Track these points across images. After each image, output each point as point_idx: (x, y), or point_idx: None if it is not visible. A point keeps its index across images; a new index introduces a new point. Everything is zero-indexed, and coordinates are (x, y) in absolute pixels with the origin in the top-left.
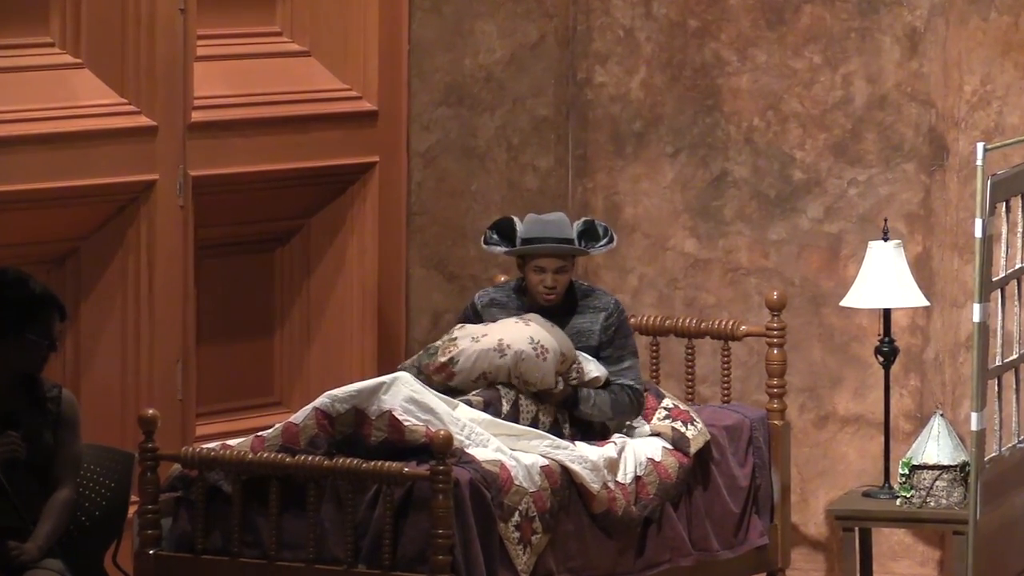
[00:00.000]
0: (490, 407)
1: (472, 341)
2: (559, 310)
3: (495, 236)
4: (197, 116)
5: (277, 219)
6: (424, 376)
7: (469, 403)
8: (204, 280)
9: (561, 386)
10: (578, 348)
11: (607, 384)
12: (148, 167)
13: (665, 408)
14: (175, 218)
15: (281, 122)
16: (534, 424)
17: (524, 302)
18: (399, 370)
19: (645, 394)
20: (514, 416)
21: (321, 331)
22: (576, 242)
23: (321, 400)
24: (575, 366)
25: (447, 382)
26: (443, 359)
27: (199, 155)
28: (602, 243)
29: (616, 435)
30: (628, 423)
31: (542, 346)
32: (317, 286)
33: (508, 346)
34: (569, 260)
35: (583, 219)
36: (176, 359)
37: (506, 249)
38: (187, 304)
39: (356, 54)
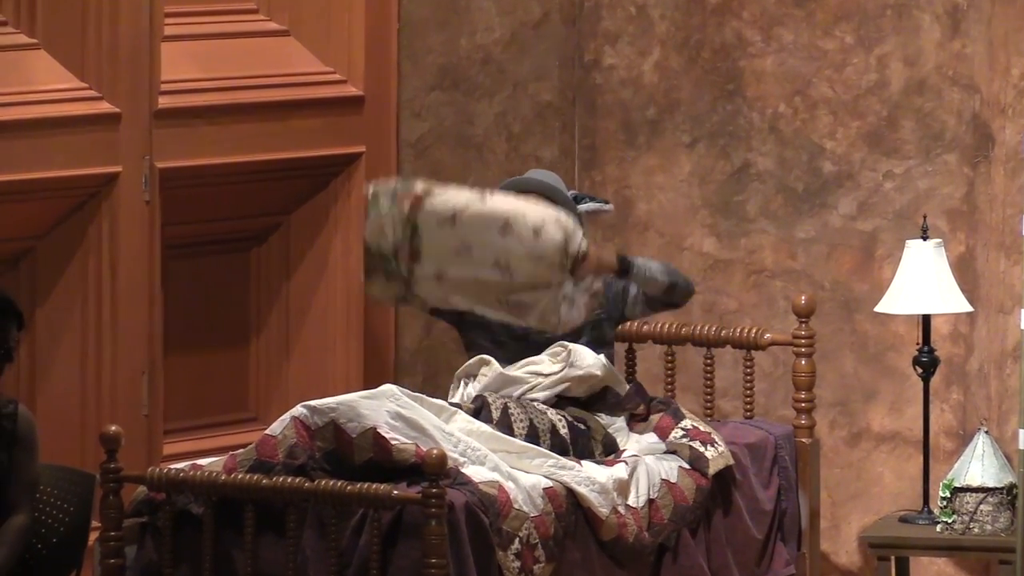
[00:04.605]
0: (480, 414)
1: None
2: None
3: None
4: (164, 102)
5: (253, 216)
6: (396, 207)
7: (459, 407)
8: (172, 283)
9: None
10: (582, 328)
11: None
12: (110, 158)
13: (683, 428)
14: (140, 214)
15: (257, 109)
16: (531, 432)
17: None
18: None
19: (658, 403)
20: (506, 423)
21: (301, 339)
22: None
23: (299, 410)
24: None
25: (413, 215)
26: (419, 189)
27: (166, 145)
28: (598, 201)
29: (628, 454)
30: (636, 423)
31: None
32: (297, 289)
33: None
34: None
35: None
36: (141, 370)
37: None
38: (153, 309)
39: (340, 33)
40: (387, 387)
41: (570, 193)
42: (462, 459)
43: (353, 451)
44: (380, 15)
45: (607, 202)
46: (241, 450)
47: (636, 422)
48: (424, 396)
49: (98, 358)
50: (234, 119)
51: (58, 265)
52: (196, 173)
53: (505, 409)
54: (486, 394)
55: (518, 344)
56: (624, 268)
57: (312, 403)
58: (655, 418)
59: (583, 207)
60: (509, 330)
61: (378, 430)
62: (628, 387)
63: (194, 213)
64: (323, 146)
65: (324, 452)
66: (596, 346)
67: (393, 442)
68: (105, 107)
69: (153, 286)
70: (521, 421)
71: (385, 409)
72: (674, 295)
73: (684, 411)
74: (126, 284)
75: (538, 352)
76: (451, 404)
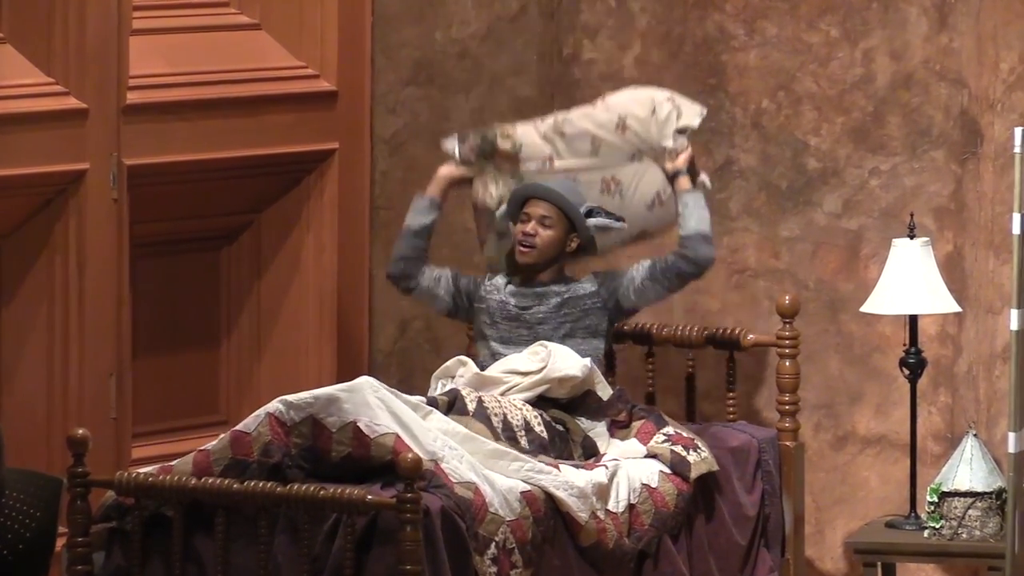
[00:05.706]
0: (454, 406)
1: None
2: (542, 280)
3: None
4: (133, 97)
5: (223, 214)
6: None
7: (435, 403)
8: (141, 283)
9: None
10: (576, 313)
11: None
12: (77, 155)
13: (665, 434)
14: (108, 213)
15: (228, 104)
16: (506, 428)
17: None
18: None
19: (639, 410)
20: (483, 415)
21: (273, 341)
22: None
23: (274, 406)
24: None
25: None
26: (508, 146)
27: (135, 142)
28: (611, 217)
29: (608, 458)
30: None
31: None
32: (268, 290)
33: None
34: (560, 216)
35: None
36: (109, 372)
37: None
38: (121, 310)
39: (313, 27)
40: (365, 379)
41: (584, 207)
42: (440, 454)
43: (331, 446)
44: (353, 8)
45: (621, 219)
46: (212, 443)
47: (617, 428)
48: (399, 394)
49: (65, 359)
50: (204, 115)
51: (24, 264)
52: (165, 170)
53: (480, 401)
54: (460, 388)
55: (510, 324)
56: (693, 178)
57: (288, 398)
58: (636, 424)
59: (593, 221)
60: (502, 311)
61: (358, 423)
62: (611, 392)
63: (163, 211)
64: (295, 142)
65: (300, 448)
66: (587, 336)
67: (372, 436)
68: (72, 103)
69: (121, 286)
70: (496, 415)
71: (364, 401)
72: (706, 252)
73: (667, 418)
74: (93, 284)
75: (529, 333)
76: (428, 398)
